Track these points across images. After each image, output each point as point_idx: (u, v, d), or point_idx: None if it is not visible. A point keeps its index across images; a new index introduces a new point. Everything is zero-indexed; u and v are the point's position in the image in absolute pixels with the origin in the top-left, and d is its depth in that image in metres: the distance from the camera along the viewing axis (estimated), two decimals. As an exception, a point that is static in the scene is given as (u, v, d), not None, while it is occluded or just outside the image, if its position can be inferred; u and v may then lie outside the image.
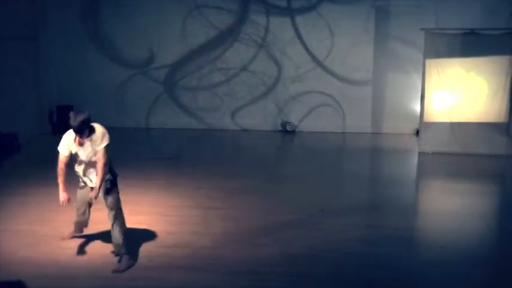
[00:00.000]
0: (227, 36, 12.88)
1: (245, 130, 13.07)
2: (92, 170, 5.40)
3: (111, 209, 5.43)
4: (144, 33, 12.83)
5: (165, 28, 12.81)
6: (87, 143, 5.26)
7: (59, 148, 5.33)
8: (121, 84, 13.16)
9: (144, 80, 13.13)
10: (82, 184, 5.58)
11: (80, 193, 5.65)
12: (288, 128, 12.97)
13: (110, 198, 5.41)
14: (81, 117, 5.06)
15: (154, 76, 13.11)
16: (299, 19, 12.62)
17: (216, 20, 12.78)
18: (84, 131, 5.14)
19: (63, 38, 12.86)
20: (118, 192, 5.51)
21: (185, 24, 12.82)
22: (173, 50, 12.93)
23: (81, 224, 5.94)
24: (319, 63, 12.73)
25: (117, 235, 5.43)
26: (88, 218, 5.87)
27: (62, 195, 5.37)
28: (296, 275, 5.27)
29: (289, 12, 12.67)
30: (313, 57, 12.72)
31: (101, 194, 5.42)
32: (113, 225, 5.43)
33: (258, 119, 13.10)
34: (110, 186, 5.41)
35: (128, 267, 5.36)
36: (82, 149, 5.29)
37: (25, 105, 11.53)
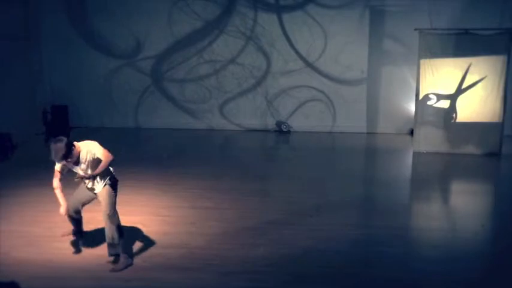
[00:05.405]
0: (214, 28, 12.81)
1: (242, 130, 13.07)
2: (93, 181, 5.40)
3: (106, 210, 5.40)
4: (132, 26, 12.78)
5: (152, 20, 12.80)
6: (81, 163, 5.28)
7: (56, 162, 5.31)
8: (113, 80, 13.13)
9: (133, 73, 13.09)
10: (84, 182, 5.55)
11: (79, 187, 5.62)
12: (283, 128, 12.98)
13: (107, 201, 5.39)
14: (60, 152, 4.98)
15: (141, 68, 13.06)
16: (294, 17, 12.61)
17: (202, 11, 12.72)
18: (68, 157, 5.09)
19: (56, 38, 12.85)
20: (116, 196, 5.49)
21: (171, 15, 12.75)
22: (160, 41, 12.90)
23: (73, 222, 5.85)
24: (312, 63, 12.75)
25: (113, 235, 5.42)
26: (80, 218, 5.85)
27: (62, 208, 5.41)
28: (291, 275, 5.27)
29: (277, 9, 12.63)
30: (307, 57, 12.74)
31: (98, 195, 5.43)
32: (109, 225, 5.42)
33: (248, 113, 13.07)
34: (110, 187, 5.41)
35: (126, 266, 5.36)
36: (77, 167, 5.32)
37: (19, 105, 11.49)
